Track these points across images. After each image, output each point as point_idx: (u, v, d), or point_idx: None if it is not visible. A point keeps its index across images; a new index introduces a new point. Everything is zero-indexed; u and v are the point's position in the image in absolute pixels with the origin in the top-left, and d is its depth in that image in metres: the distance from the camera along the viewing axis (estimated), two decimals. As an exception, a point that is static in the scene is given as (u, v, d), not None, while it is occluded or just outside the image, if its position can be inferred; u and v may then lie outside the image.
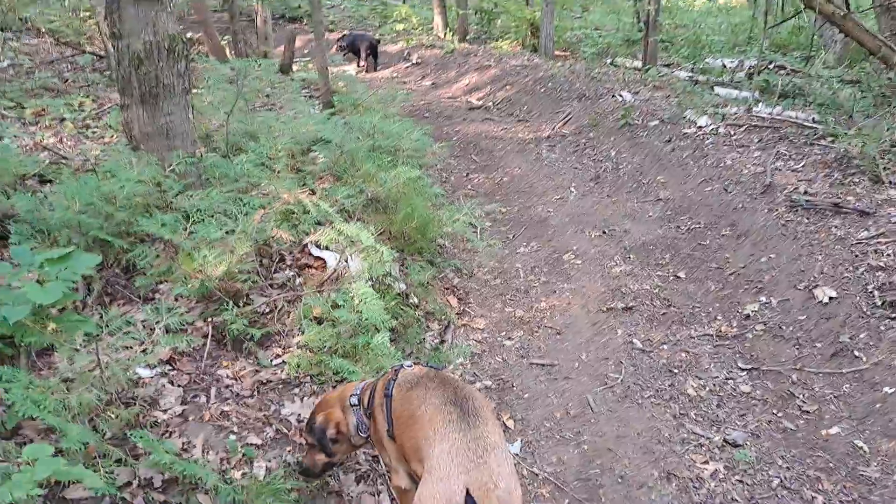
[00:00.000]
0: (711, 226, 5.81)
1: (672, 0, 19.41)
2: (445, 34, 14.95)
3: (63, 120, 6.70)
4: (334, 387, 2.93)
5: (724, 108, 8.04)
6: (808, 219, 5.27)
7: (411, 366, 2.41)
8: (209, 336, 3.02)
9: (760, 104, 7.89)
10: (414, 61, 13.25)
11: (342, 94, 8.23)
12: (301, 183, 4.42)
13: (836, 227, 5.00)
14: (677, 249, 5.53)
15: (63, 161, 5.18)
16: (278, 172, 4.39)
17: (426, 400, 2.23)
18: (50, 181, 4.47)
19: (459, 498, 1.85)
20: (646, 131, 8.19)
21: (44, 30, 10.05)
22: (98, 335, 2.60)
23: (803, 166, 6.16)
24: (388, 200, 4.27)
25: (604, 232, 5.91)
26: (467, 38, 14.82)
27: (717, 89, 9.33)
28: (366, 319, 3.15)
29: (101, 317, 3.12)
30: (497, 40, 14.20)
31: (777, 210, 5.58)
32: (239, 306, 3.27)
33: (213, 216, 3.64)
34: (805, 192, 5.63)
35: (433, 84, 12.39)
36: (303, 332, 3.07)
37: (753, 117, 7.57)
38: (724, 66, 11.34)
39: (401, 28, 14.40)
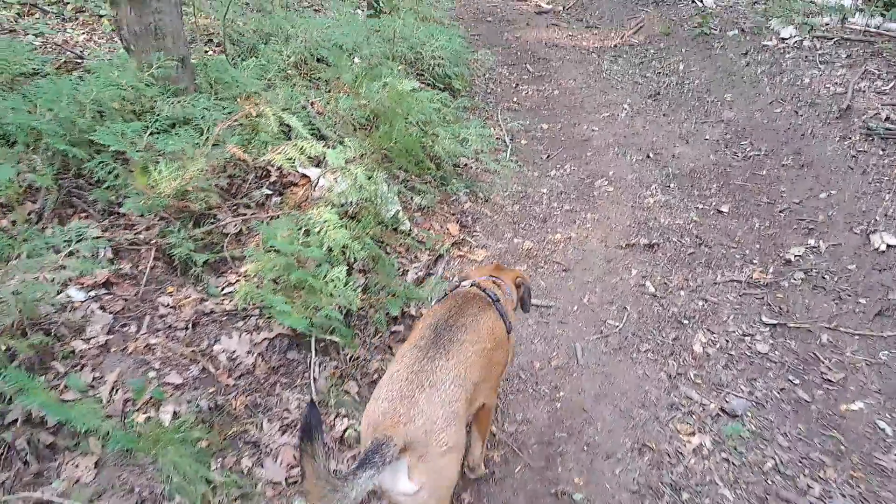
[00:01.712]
0: (772, 153, 5.13)
1: None
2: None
3: (101, 17, 6.54)
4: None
5: (816, 17, 7.04)
6: (882, 150, 4.54)
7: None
8: (151, 259, 2.82)
9: (858, 14, 6.85)
10: (486, -41, 12.36)
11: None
12: (297, 94, 4.08)
13: (914, 163, 4.29)
14: (728, 179, 4.92)
15: (79, 60, 5.02)
16: (269, 80, 4.06)
17: (426, 316, 2.21)
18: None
19: (372, 419, 1.84)
20: (722, 42, 7.32)
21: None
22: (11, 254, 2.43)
23: (892, 88, 5.31)
24: (378, 114, 3.88)
25: (648, 156, 5.33)
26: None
27: (815, -6, 8.21)
28: (327, 249, 2.86)
29: (52, 230, 2.98)
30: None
31: (850, 138, 4.85)
32: (199, 226, 3.05)
33: (184, 126, 3.38)
34: (887, 119, 4.84)
35: (504, -16, 11.56)
36: (254, 260, 2.81)
37: (847, 29, 6.59)
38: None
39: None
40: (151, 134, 3.26)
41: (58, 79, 3.75)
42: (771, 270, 3.79)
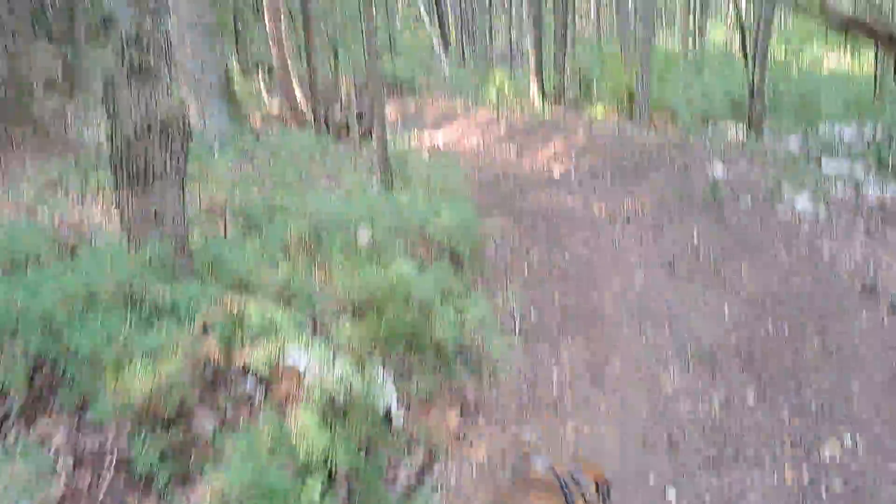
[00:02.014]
0: (796, 332, 4.86)
1: (791, 59, 18.15)
2: (541, 100, 14.53)
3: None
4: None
5: (829, 185, 7.02)
6: (915, 334, 4.27)
7: None
8: (112, 471, 2.57)
9: (871, 182, 6.82)
10: (502, 128, 12.85)
11: (404, 166, 7.90)
12: (296, 274, 3.98)
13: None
14: (751, 360, 4.63)
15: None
16: (269, 260, 3.98)
17: None
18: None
19: None
20: (735, 210, 7.27)
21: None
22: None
23: (916, 263, 5.13)
24: (376, 297, 3.74)
25: (664, 333, 5.09)
26: (562, 102, 14.33)
27: (826, 162, 8.25)
28: (305, 456, 2.60)
29: (15, 436, 2.78)
30: (593, 105, 13.62)
31: (877, 318, 4.59)
32: (170, 430, 2.81)
33: (170, 315, 3.24)
34: (914, 297, 4.61)
35: (518, 151, 11.90)
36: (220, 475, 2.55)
37: (862, 198, 6.52)
38: (840, 136, 10.16)
39: (494, 94, 14.10)
40: (132, 326, 3.12)
41: (45, 266, 3.70)
42: (805, 474, 3.41)
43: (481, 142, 12.88)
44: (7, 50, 9.39)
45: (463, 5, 23.70)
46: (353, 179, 6.75)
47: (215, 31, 8.48)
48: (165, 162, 3.91)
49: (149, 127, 3.82)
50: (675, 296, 5.73)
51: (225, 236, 4.41)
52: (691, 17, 24.29)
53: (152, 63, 3.79)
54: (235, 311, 3.05)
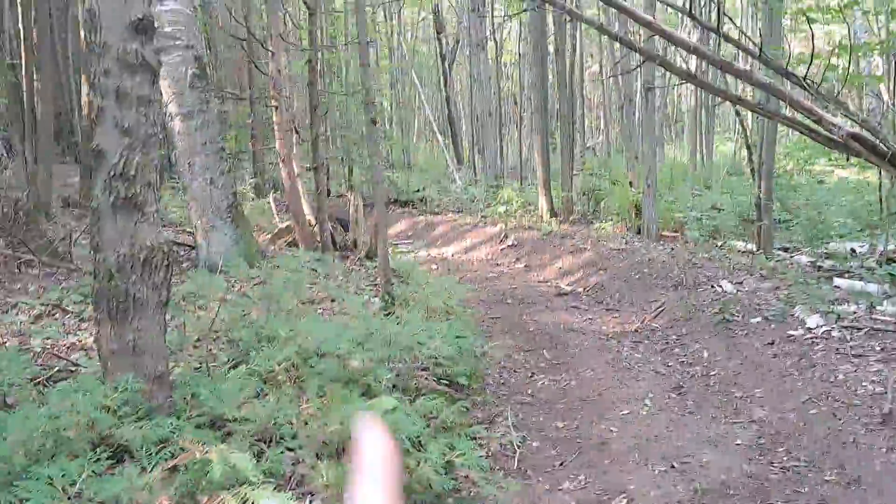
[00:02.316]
0: (813, 464, 4.55)
1: (800, 172, 18.28)
2: (549, 215, 14.66)
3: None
4: None
5: (842, 305, 6.82)
6: (940, 471, 3.96)
7: None
8: None
9: (886, 301, 6.62)
10: (510, 243, 12.91)
11: (407, 283, 7.84)
12: (280, 408, 3.82)
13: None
14: (766, 497, 4.31)
15: (73, 368, 4.93)
16: (252, 393, 3.83)
17: None
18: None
19: None
20: (745, 330, 7.06)
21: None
22: None
23: (937, 391, 4.84)
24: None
25: (673, 465, 4.79)
26: (571, 219, 14.43)
27: (837, 280, 8.09)
28: None
29: None
30: (602, 221, 13.68)
31: (899, 452, 4.29)
32: None
33: (135, 457, 3.07)
34: (938, 431, 4.32)
35: (526, 266, 11.89)
36: None
37: (876, 318, 6.30)
38: (853, 252, 10.04)
39: (502, 210, 14.27)
40: (93, 472, 2.95)
41: (19, 402, 3.58)
42: None
43: (489, 256, 12.90)
44: (27, 169, 9.67)
45: (475, 122, 24.44)
46: (353, 301, 6.67)
47: (225, 153, 8.70)
48: (146, 293, 3.86)
49: (131, 259, 3.79)
50: (685, 424, 5.45)
51: (209, 368, 4.29)
52: (697, 131, 24.86)
53: (139, 195, 3.80)
54: (200, 458, 2.88)
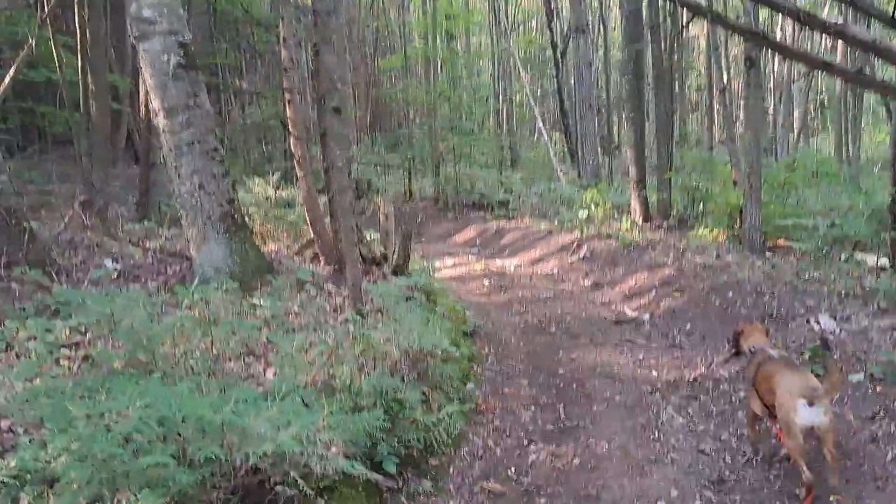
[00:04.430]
0: None
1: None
2: (642, 220, 12.64)
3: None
4: None
5: None
6: None
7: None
8: None
9: None
10: (582, 255, 11.06)
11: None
12: None
13: None
14: None
15: None
16: None
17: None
18: None
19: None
20: (842, 391, 5.01)
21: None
22: None
23: None
24: None
25: None
26: (667, 224, 12.32)
27: None
28: None
29: None
30: (701, 227, 11.49)
31: None
32: None
33: None
34: None
35: (594, 284, 10.02)
36: None
37: None
38: None
39: (583, 215, 12.38)
40: None
41: None
42: None
43: (555, 270, 11.12)
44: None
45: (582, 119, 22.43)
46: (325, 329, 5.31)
47: (219, 154, 7.57)
48: None
49: None
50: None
51: None
52: (842, 120, 21.37)
53: None
54: None
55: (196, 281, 7.47)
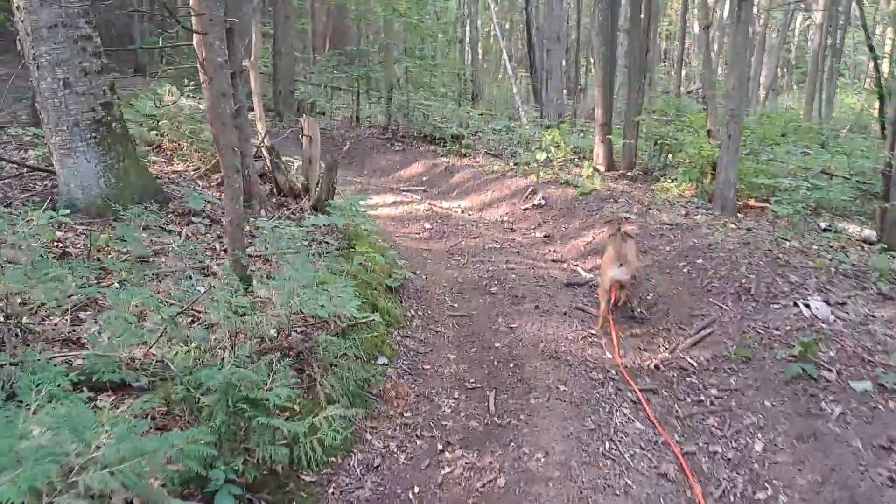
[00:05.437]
0: None
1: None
2: (605, 168, 11.45)
3: None
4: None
5: None
6: None
7: None
8: None
9: None
10: (536, 202, 9.82)
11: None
12: None
13: None
14: None
15: None
16: None
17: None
18: None
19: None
20: (839, 403, 3.97)
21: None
22: None
23: None
24: None
25: None
26: (631, 174, 11.15)
27: None
28: None
29: None
30: (668, 180, 10.35)
31: None
32: None
33: None
34: None
35: (546, 237, 8.84)
36: None
37: None
38: None
39: (542, 157, 11.08)
40: None
41: None
42: None
43: (506, 218, 9.89)
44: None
45: (549, 55, 20.89)
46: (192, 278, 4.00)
47: (93, 44, 5.98)
48: None
49: None
50: None
51: None
52: (818, 77, 20.35)
53: None
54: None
55: (61, 202, 6.05)
